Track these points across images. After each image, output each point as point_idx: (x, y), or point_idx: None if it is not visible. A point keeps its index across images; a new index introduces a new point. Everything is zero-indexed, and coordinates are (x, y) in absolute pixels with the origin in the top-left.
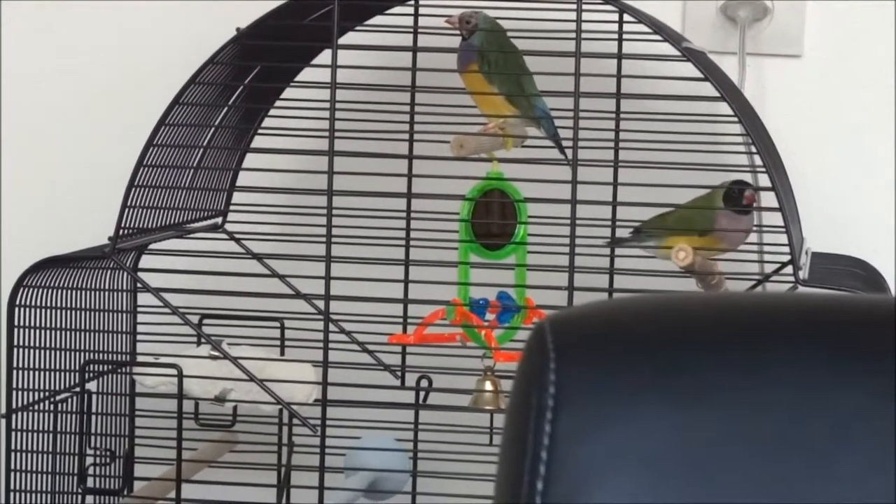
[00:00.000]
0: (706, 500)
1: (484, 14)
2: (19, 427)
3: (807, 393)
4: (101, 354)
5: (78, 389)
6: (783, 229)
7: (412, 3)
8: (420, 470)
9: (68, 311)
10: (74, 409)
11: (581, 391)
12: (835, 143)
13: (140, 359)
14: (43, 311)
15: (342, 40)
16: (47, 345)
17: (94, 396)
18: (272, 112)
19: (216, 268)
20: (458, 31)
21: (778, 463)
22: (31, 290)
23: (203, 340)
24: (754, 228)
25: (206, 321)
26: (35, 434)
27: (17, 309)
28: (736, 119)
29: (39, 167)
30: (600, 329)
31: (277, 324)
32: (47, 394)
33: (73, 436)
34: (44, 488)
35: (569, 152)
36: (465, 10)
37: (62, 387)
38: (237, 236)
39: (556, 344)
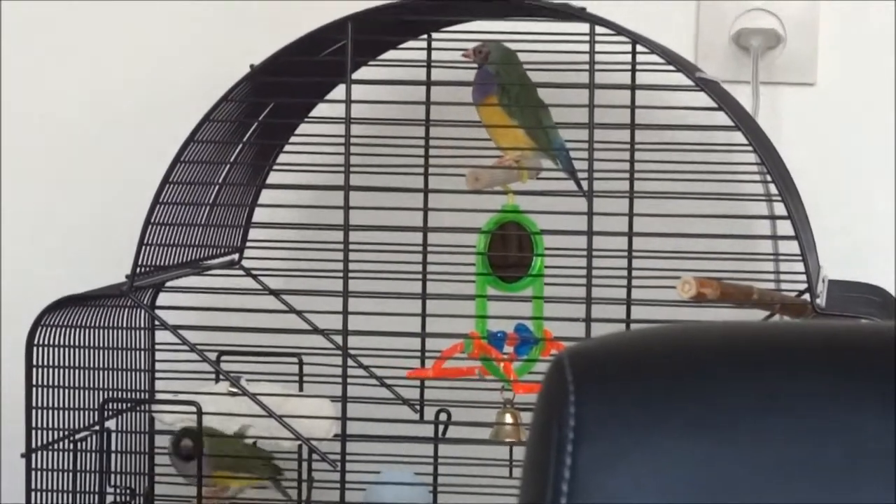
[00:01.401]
0: None
1: (496, 42)
2: (39, 466)
3: (825, 422)
4: (119, 392)
5: (97, 428)
6: (800, 258)
7: (425, 37)
8: (440, 503)
9: (86, 350)
10: (94, 448)
11: (601, 423)
12: (850, 170)
13: (159, 396)
14: (61, 350)
15: (356, 75)
16: (66, 384)
17: (113, 435)
18: (287, 148)
19: (233, 304)
20: (473, 65)
21: (798, 491)
22: (49, 329)
23: (221, 377)
24: (769, 257)
25: (224, 358)
26: (55, 473)
27: (35, 348)
28: (750, 148)
29: (55, 206)
30: (619, 360)
31: (295, 359)
32: (67, 433)
33: (92, 474)
34: None
35: (584, 184)
36: (478, 42)
37: (81, 425)
38: (254, 272)
39: (575, 376)
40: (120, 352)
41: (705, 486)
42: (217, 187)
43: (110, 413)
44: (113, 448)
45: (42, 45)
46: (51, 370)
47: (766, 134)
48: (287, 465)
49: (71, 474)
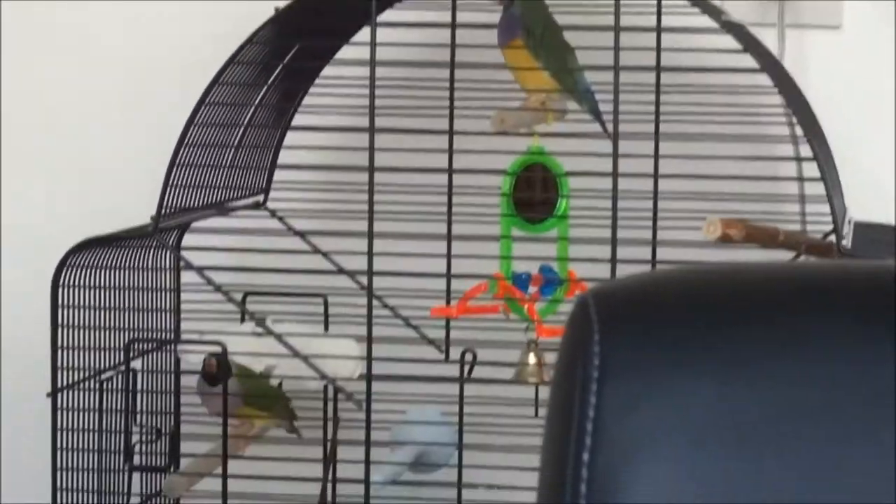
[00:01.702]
0: (749, 469)
1: None
2: (65, 406)
3: (849, 363)
4: (145, 333)
5: (123, 368)
6: (825, 199)
7: None
8: (466, 443)
9: (112, 291)
10: (120, 388)
11: (625, 363)
12: (875, 112)
13: (184, 336)
14: (87, 290)
15: (381, 17)
16: (91, 324)
17: (139, 374)
18: (312, 90)
19: (258, 245)
20: (498, 7)
21: (818, 432)
22: (74, 270)
23: (247, 317)
24: (795, 198)
25: (249, 298)
26: (81, 413)
27: (60, 289)
28: (776, 90)
29: (81, 148)
30: (644, 301)
31: (321, 300)
32: (92, 373)
33: (118, 414)
34: (90, 466)
35: (609, 126)
36: None
37: (107, 365)
38: (279, 214)
39: (599, 316)
40: (145, 292)
41: (728, 425)
42: (242, 129)
43: (136, 353)
44: (138, 388)
45: None
46: (76, 311)
47: (792, 77)
48: (312, 405)
49: (96, 414)
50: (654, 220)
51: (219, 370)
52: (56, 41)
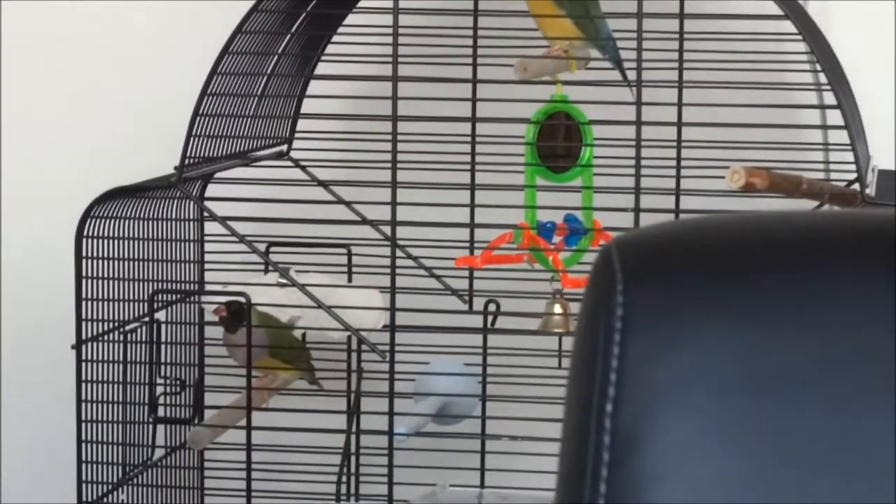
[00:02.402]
0: (774, 419)
1: None
2: (90, 358)
3: (877, 310)
4: (169, 284)
5: (147, 319)
6: (849, 147)
7: None
8: (489, 394)
9: (136, 242)
10: (144, 339)
11: (649, 312)
12: None
13: (208, 288)
14: (111, 241)
15: None
16: (116, 275)
17: (163, 326)
18: (335, 39)
19: (282, 196)
20: None
21: (844, 381)
22: (98, 220)
23: (271, 268)
24: (819, 147)
25: (273, 249)
26: (105, 364)
27: (84, 240)
28: (800, 37)
29: (104, 97)
30: (667, 250)
31: (344, 250)
32: (117, 324)
33: (142, 366)
34: (115, 418)
35: (633, 74)
36: None
37: (131, 317)
38: (302, 164)
39: (623, 266)
40: (169, 243)
41: (753, 375)
42: (265, 78)
43: (160, 304)
44: (163, 339)
45: None
46: (100, 262)
47: (817, 23)
48: (336, 357)
49: (121, 366)
50: (678, 168)
51: (232, 316)
52: None
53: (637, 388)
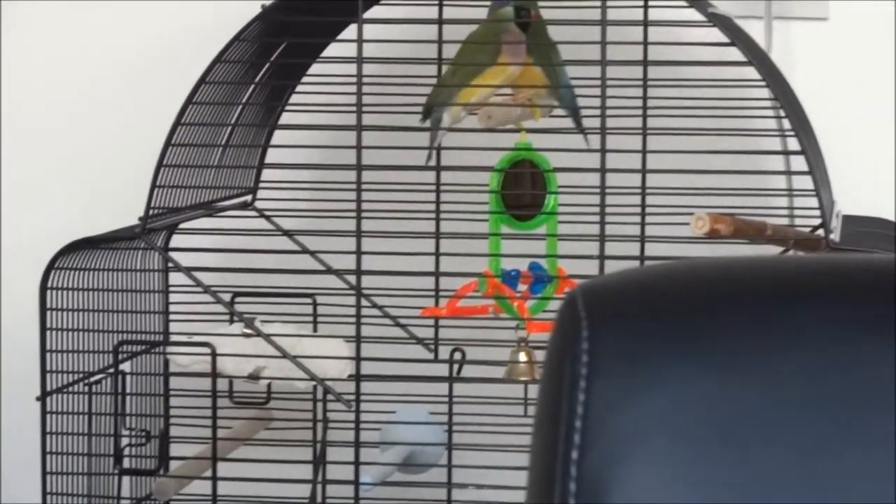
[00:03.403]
0: (742, 465)
1: None
2: (55, 409)
3: (842, 357)
4: (134, 335)
5: (112, 370)
6: (813, 193)
7: None
8: (455, 442)
9: (100, 293)
10: (109, 390)
11: (614, 359)
12: (862, 105)
13: (173, 338)
14: (75, 293)
15: (367, 14)
16: (80, 326)
17: (128, 377)
18: (299, 88)
19: (247, 245)
20: (485, 3)
21: (813, 426)
22: (62, 272)
23: (236, 318)
24: (783, 192)
25: (238, 299)
26: (70, 416)
27: (49, 291)
28: (764, 83)
29: (68, 150)
30: (632, 296)
31: (309, 300)
32: (82, 375)
33: (108, 417)
34: (80, 470)
35: (597, 121)
36: None
37: (96, 368)
38: (267, 213)
39: (588, 312)
40: (134, 294)
41: (719, 420)
42: (229, 129)
43: (125, 355)
44: (128, 390)
45: None
46: (65, 313)
47: (779, 69)
48: (302, 406)
49: (86, 417)
50: (643, 215)
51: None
52: (42, 44)
53: (603, 434)
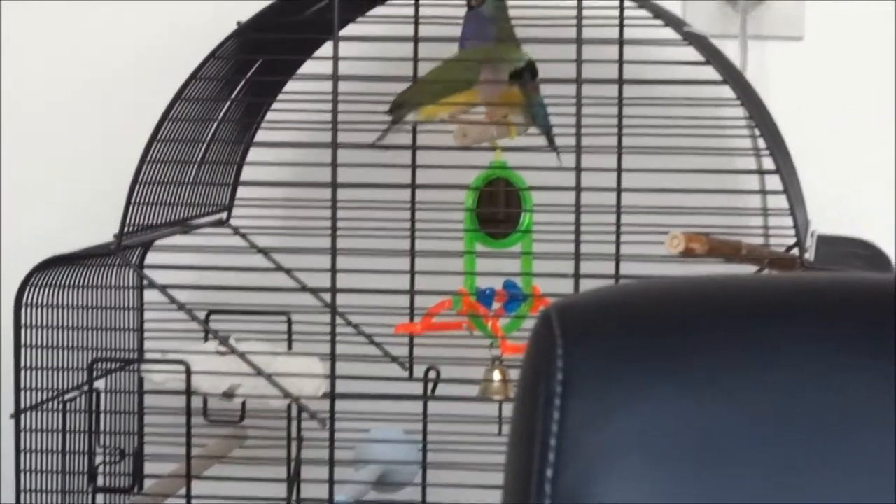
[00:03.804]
0: (717, 483)
1: None
2: (29, 427)
3: (817, 376)
4: (108, 352)
5: (86, 388)
6: (788, 212)
7: None
8: (430, 461)
9: (75, 310)
10: (83, 408)
11: (589, 377)
12: (837, 124)
13: (147, 356)
14: (50, 309)
15: (343, 32)
16: (55, 344)
17: (102, 395)
18: (275, 105)
19: (222, 263)
20: (459, 21)
21: (788, 445)
22: (37, 289)
23: (210, 336)
24: (758, 212)
25: (213, 317)
26: (44, 434)
27: (24, 308)
28: (739, 102)
29: (42, 166)
30: (607, 314)
31: (284, 318)
32: (56, 393)
33: (82, 434)
34: (54, 488)
35: (572, 139)
36: None
37: (70, 385)
38: (242, 231)
39: (562, 330)
40: (108, 311)
41: (694, 439)
42: (205, 145)
43: (99, 373)
44: (102, 408)
45: (30, 4)
46: (39, 330)
47: (755, 88)
48: (276, 424)
49: (60, 435)
50: (618, 234)
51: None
52: (17, 60)
53: (577, 453)
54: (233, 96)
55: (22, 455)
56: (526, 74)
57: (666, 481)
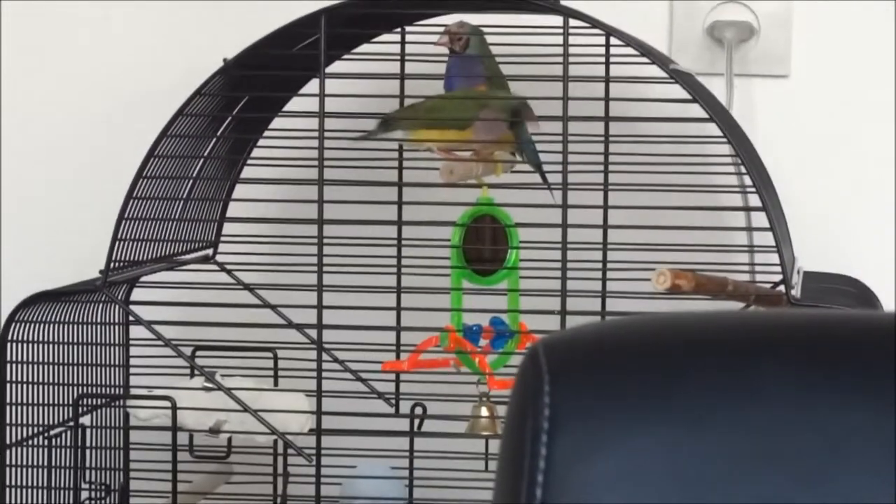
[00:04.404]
0: None
1: (473, 27)
2: (14, 462)
3: (805, 412)
4: (94, 388)
5: (72, 424)
6: (774, 249)
7: (399, 30)
8: (416, 497)
9: (61, 346)
10: (69, 444)
11: (576, 413)
12: (824, 161)
13: (133, 392)
14: (35, 345)
15: (330, 69)
16: (40, 380)
17: (88, 430)
18: (261, 142)
19: (208, 299)
20: (447, 52)
21: (775, 483)
22: (23, 325)
23: (196, 372)
24: (744, 249)
25: (198, 353)
26: (30, 469)
27: (9, 344)
28: (725, 140)
29: (28, 202)
30: (594, 351)
31: (270, 354)
32: (41, 429)
33: (68, 470)
34: None
35: (558, 176)
36: (450, 25)
37: (56, 421)
38: (228, 267)
39: (550, 366)
40: (94, 347)
41: (682, 477)
42: (191, 182)
43: (85, 409)
44: (88, 444)
45: (13, 41)
46: (25, 366)
47: (741, 126)
48: (262, 460)
49: (46, 470)
50: (604, 270)
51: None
52: (1, 95)
53: (565, 489)
54: (219, 133)
55: (8, 491)
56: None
57: None
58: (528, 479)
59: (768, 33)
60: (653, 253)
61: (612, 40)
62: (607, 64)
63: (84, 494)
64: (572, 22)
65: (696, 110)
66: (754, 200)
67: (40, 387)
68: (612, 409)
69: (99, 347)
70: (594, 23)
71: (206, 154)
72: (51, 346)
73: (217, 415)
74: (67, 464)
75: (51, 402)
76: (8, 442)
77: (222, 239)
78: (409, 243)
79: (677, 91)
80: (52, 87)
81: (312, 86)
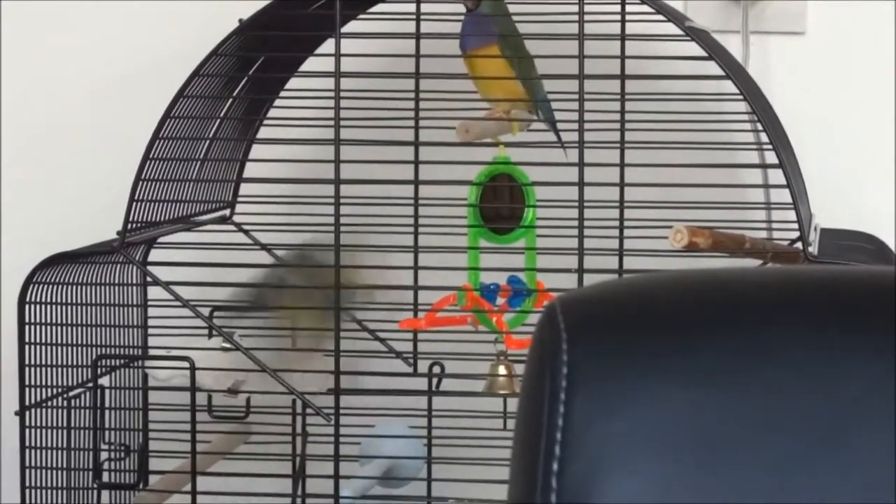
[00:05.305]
0: (719, 479)
1: None
2: (33, 424)
3: (820, 370)
4: (112, 349)
5: (91, 385)
6: (791, 206)
7: None
8: (435, 456)
9: (79, 307)
10: (88, 405)
11: (594, 372)
12: (840, 118)
13: (152, 352)
14: (54, 307)
15: (345, 29)
16: (59, 341)
17: (106, 391)
18: (277, 102)
19: (225, 259)
20: (461, 17)
21: (790, 440)
22: (41, 286)
23: (215, 332)
24: (761, 206)
25: (217, 313)
26: (49, 430)
27: (27, 306)
28: (741, 97)
29: (46, 163)
30: (612, 309)
31: (288, 314)
32: (60, 390)
33: (86, 431)
34: (59, 484)
35: (575, 135)
36: None
37: (75, 382)
38: (245, 227)
39: (567, 324)
40: (112, 308)
41: (698, 434)
42: (207, 143)
43: (103, 370)
44: (106, 404)
45: (31, 3)
46: (43, 327)
47: (757, 83)
48: (281, 420)
49: (65, 431)
50: (621, 228)
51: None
52: (19, 57)
53: (583, 447)
54: (235, 93)
55: (27, 452)
56: None
57: (671, 477)
58: (546, 437)
59: None
60: (670, 211)
61: None
62: (623, 22)
63: (103, 455)
64: None
65: (712, 68)
66: (771, 157)
67: (59, 348)
68: (629, 367)
69: (117, 308)
70: None
71: (222, 115)
72: (69, 307)
73: (235, 375)
74: (86, 425)
75: (69, 363)
76: (27, 403)
77: (239, 199)
78: (426, 202)
79: (693, 48)
80: (67, 49)
81: (328, 46)
